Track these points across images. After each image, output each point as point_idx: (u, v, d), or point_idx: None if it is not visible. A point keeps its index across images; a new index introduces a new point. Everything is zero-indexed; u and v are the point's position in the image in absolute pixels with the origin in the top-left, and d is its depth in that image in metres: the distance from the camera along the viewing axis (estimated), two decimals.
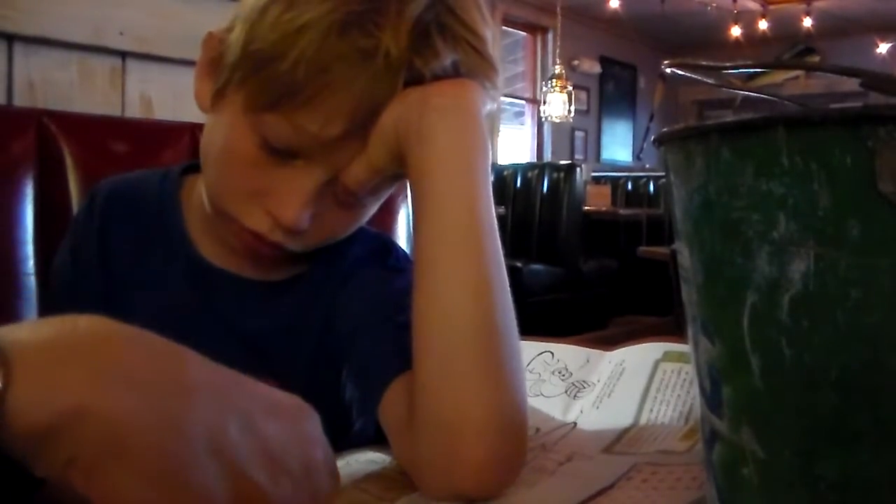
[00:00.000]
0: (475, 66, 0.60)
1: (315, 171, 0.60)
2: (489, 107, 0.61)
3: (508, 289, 0.57)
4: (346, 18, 0.56)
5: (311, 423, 0.41)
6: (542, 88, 6.30)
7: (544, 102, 6.05)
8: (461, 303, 0.54)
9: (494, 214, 0.58)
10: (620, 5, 6.41)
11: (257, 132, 0.59)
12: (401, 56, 0.56)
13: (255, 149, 0.60)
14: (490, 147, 0.59)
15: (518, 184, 4.85)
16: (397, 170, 0.60)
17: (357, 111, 0.58)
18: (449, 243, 0.56)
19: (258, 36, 0.58)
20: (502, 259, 0.57)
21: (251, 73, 0.59)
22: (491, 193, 0.58)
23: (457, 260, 0.55)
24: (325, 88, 0.57)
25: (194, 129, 1.05)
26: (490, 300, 0.55)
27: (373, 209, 0.68)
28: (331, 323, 0.68)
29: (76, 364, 0.33)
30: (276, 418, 0.39)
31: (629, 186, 5.97)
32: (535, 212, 4.70)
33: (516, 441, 0.53)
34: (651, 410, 0.65)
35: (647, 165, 7.52)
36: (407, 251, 0.77)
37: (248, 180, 0.61)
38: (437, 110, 0.57)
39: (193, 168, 0.75)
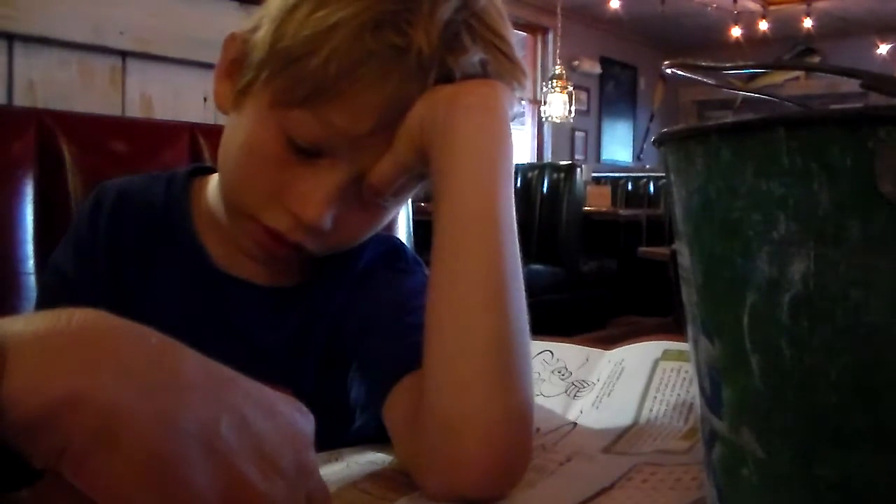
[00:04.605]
0: (504, 68, 0.61)
1: (340, 169, 0.60)
2: (515, 109, 0.62)
3: (524, 292, 0.57)
4: (378, 17, 0.56)
5: (306, 425, 0.41)
6: (542, 89, 6.29)
7: (544, 103, 6.04)
8: (475, 304, 0.54)
9: (514, 216, 0.58)
10: (620, 5, 6.41)
11: (283, 130, 0.60)
12: (432, 54, 0.57)
13: (279, 147, 0.60)
14: (513, 149, 0.60)
15: (518, 184, 4.84)
16: (422, 167, 0.60)
17: (387, 108, 0.58)
18: (467, 244, 0.56)
19: (287, 33, 0.58)
20: (519, 262, 0.57)
21: (279, 70, 0.59)
22: (512, 195, 0.58)
23: (474, 261, 0.55)
24: (357, 84, 0.57)
25: (194, 129, 1.05)
26: (505, 303, 0.55)
27: (393, 213, 0.68)
28: (340, 326, 0.68)
29: (70, 354, 0.33)
30: (271, 418, 0.38)
31: (629, 187, 5.96)
32: (535, 212, 4.70)
33: (521, 445, 0.53)
34: (651, 410, 0.65)
35: (648, 166, 7.51)
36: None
37: (270, 178, 0.61)
38: (465, 108, 0.57)
39: (197, 172, 0.75)
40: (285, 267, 0.68)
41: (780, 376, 0.31)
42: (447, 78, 0.58)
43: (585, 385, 0.70)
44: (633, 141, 8.18)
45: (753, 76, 5.31)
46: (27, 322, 0.34)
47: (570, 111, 5.97)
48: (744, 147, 0.32)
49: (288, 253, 0.64)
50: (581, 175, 4.74)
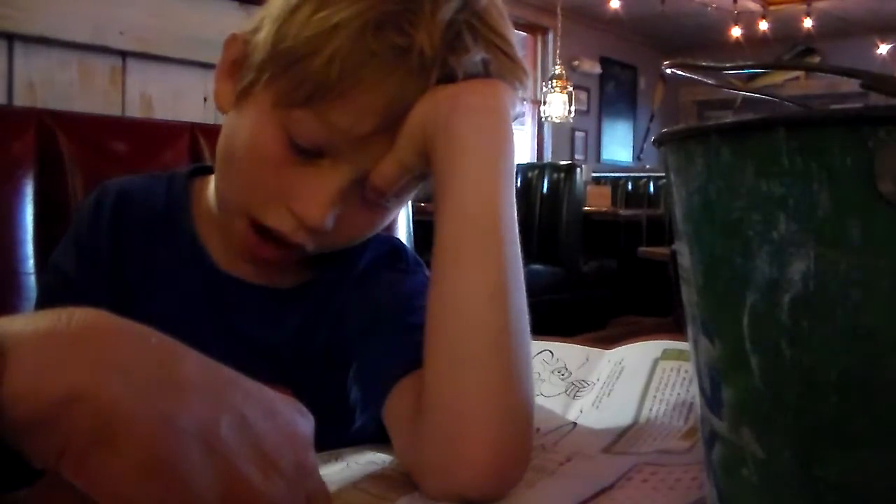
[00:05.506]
0: (505, 68, 0.61)
1: (341, 170, 0.60)
2: (517, 109, 0.62)
3: (524, 293, 0.57)
4: (380, 17, 0.56)
5: (306, 425, 0.41)
6: (542, 89, 6.29)
7: (544, 103, 6.04)
8: (476, 304, 0.54)
9: (516, 217, 0.58)
10: (620, 5, 6.41)
11: (285, 130, 0.60)
12: (434, 55, 0.57)
13: (281, 148, 0.60)
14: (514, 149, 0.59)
15: (518, 184, 4.81)
16: (424, 168, 0.60)
17: (389, 108, 0.58)
18: (468, 244, 0.56)
19: (289, 34, 0.58)
20: (521, 263, 0.57)
21: (281, 71, 0.59)
22: (514, 195, 0.58)
23: (475, 262, 0.55)
24: (359, 85, 0.57)
25: (194, 129, 1.05)
26: (505, 303, 0.55)
27: (395, 212, 0.68)
28: (341, 326, 0.68)
29: (70, 353, 0.33)
30: (271, 418, 0.39)
31: (629, 187, 5.97)
32: (535, 212, 4.70)
33: (521, 446, 0.53)
34: (651, 409, 0.65)
35: (648, 166, 7.51)
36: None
37: (272, 179, 0.61)
38: (467, 109, 0.57)
39: (197, 171, 0.75)
40: (283, 268, 0.68)
41: (780, 376, 0.31)
42: (449, 78, 0.58)
43: (585, 385, 0.70)
44: (633, 141, 8.18)
45: (753, 76, 5.31)
46: (27, 322, 0.34)
47: (570, 111, 5.97)
48: (744, 147, 0.32)
49: (277, 256, 0.64)
50: (581, 175, 4.74)
